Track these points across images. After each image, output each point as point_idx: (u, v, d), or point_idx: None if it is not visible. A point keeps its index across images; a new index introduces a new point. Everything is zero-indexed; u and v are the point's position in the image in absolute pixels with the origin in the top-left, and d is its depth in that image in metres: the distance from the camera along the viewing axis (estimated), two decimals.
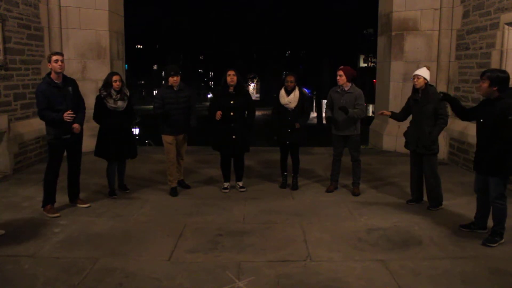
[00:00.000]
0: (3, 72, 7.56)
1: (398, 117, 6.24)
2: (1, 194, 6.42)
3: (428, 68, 5.90)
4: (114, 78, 6.16)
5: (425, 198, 6.08)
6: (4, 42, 7.53)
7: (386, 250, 4.67)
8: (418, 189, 6.12)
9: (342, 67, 6.49)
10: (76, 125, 5.59)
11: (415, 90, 5.87)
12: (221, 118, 6.31)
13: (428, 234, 5.07)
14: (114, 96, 6.13)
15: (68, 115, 5.40)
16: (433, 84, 7.38)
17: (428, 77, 5.78)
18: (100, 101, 6.15)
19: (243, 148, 6.65)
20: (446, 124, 5.79)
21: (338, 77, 6.40)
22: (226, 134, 6.45)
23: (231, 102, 6.40)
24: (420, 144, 5.78)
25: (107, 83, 6.16)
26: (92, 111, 6.28)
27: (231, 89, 6.43)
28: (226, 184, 6.81)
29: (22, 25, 8.12)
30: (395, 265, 4.27)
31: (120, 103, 6.17)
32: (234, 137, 6.43)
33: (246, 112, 6.63)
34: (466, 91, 8.51)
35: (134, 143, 6.66)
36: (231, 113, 6.39)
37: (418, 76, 5.76)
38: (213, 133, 6.60)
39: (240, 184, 6.85)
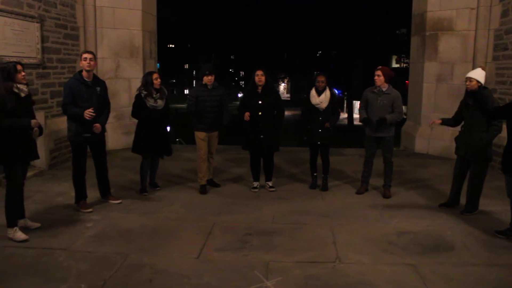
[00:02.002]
0: (41, 70, 7.78)
1: (451, 123, 6.01)
2: (37, 189, 6.60)
3: (484, 69, 5.57)
4: (155, 76, 6.25)
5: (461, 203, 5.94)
6: (42, 41, 7.75)
7: (416, 254, 4.58)
8: (456, 195, 5.96)
9: (380, 67, 6.38)
10: (97, 125, 5.63)
11: (467, 93, 5.61)
12: (250, 118, 6.35)
13: (461, 239, 4.94)
14: (154, 95, 6.21)
15: (88, 112, 5.45)
16: None
17: (482, 80, 5.45)
18: (140, 100, 6.23)
19: (272, 148, 6.63)
20: (500, 131, 5.49)
21: (376, 77, 6.27)
22: (254, 134, 6.47)
23: (259, 102, 6.42)
24: (470, 151, 5.57)
25: (147, 83, 6.23)
26: (125, 109, 6.40)
27: (259, 89, 6.45)
28: (255, 184, 6.81)
29: (59, 25, 8.34)
30: (425, 270, 4.19)
31: (160, 102, 6.26)
32: (261, 136, 6.44)
33: (275, 111, 6.59)
34: (504, 93, 8.27)
35: (169, 141, 6.74)
36: (259, 113, 6.40)
37: (470, 79, 5.46)
38: (242, 132, 6.63)
39: (270, 184, 6.83)
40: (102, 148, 6.01)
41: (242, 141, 6.73)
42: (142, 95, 6.22)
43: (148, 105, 6.20)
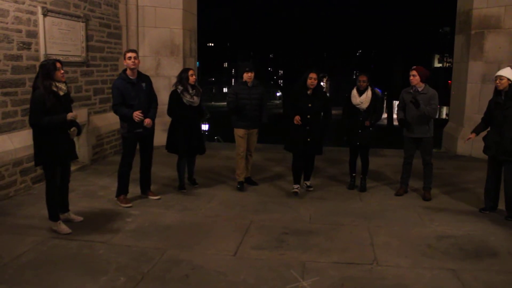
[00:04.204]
0: (85, 68, 8.01)
1: (482, 128, 5.83)
2: (79, 183, 6.80)
3: None
4: (190, 72, 6.34)
5: (501, 207, 5.73)
6: (87, 40, 7.97)
7: (457, 259, 4.45)
8: (494, 197, 5.76)
9: (415, 67, 6.25)
10: (148, 120, 5.79)
11: (497, 92, 5.51)
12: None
13: (506, 246, 4.76)
14: (190, 92, 6.30)
15: (137, 115, 5.61)
16: None
17: None
18: (176, 96, 6.31)
19: (317, 150, 6.49)
20: None
21: (411, 77, 6.17)
22: (301, 136, 6.29)
23: (309, 105, 6.23)
24: (500, 150, 5.42)
25: (182, 79, 6.31)
26: (165, 106, 6.47)
27: (309, 92, 6.27)
28: (296, 187, 6.56)
29: (103, 24, 8.56)
30: (467, 276, 4.06)
31: (196, 98, 6.33)
32: (308, 139, 6.27)
33: (322, 114, 6.47)
34: None
35: (202, 139, 6.82)
36: (308, 116, 6.22)
37: (501, 77, 5.39)
38: (287, 133, 6.51)
39: (308, 183, 6.75)
40: (151, 143, 6.16)
41: (286, 142, 6.59)
42: (179, 90, 6.29)
43: (185, 101, 6.28)
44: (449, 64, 32.50)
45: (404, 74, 31.99)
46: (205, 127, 27.40)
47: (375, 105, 6.50)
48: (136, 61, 5.73)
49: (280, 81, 50.62)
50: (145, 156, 6.16)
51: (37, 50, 6.63)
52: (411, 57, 31.91)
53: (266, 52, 44.04)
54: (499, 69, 8.85)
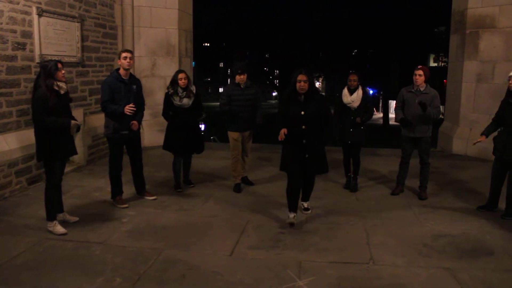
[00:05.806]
0: (80, 68, 7.98)
1: (493, 128, 5.76)
2: (75, 184, 6.79)
3: None
4: (180, 76, 6.34)
5: (500, 206, 5.76)
6: (82, 40, 7.95)
7: (454, 258, 4.46)
8: (495, 196, 5.78)
9: (420, 66, 6.23)
10: (135, 122, 5.75)
11: (509, 92, 5.47)
12: (290, 133, 5.07)
13: (501, 244, 4.78)
14: (180, 94, 6.30)
15: (129, 108, 5.53)
16: None
17: None
18: (167, 98, 6.36)
19: (319, 169, 5.46)
20: None
21: (417, 76, 6.12)
22: (296, 153, 5.22)
23: (302, 112, 5.13)
24: (508, 151, 5.40)
25: (174, 81, 6.35)
26: (161, 107, 6.49)
27: (301, 97, 5.19)
28: (291, 215, 5.26)
29: (98, 24, 8.54)
30: (463, 275, 4.08)
31: (185, 101, 6.32)
32: (306, 156, 5.21)
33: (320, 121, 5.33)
34: None
35: (201, 138, 6.81)
36: (303, 127, 5.15)
37: None
38: (282, 150, 5.45)
39: (305, 205, 5.78)
40: (138, 145, 6.12)
41: (281, 161, 5.41)
42: (169, 93, 6.33)
43: (174, 104, 6.30)
44: (444, 64, 32.57)
45: (400, 73, 32.16)
46: (201, 127, 27.38)
47: (366, 104, 6.51)
48: (131, 61, 5.72)
49: (276, 81, 50.60)
50: (134, 158, 6.12)
51: (32, 51, 6.61)
52: (407, 56, 31.97)
53: (262, 52, 43.99)
54: (494, 68, 8.98)
